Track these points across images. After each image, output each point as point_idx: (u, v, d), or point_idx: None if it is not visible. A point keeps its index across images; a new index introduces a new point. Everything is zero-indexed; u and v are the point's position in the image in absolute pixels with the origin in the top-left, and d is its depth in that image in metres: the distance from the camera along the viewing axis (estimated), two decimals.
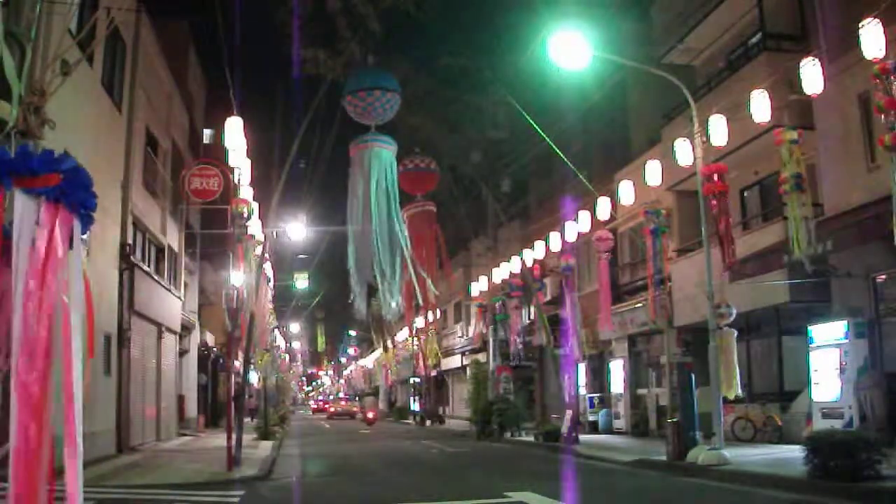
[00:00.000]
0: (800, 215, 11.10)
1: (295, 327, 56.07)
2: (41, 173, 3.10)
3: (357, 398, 54.44)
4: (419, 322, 37.09)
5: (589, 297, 21.53)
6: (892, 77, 8.81)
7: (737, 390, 12.84)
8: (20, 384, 2.97)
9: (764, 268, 14.28)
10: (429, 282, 10.97)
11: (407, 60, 21.13)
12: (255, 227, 16.72)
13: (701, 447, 11.84)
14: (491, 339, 25.40)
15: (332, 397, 66.49)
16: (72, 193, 3.19)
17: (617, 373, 21.30)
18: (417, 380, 41.30)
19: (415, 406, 42.27)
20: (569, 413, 17.78)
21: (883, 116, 9.14)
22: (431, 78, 22.19)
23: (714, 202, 12.22)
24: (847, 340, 12.53)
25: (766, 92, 11.42)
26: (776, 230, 14.93)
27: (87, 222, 3.33)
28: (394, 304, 8.13)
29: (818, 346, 13.10)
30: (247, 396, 25.62)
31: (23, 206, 3.09)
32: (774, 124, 12.05)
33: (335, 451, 19.43)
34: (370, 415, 37.61)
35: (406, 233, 8.88)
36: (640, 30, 21.00)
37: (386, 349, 49.58)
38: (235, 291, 14.48)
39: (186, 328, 24.71)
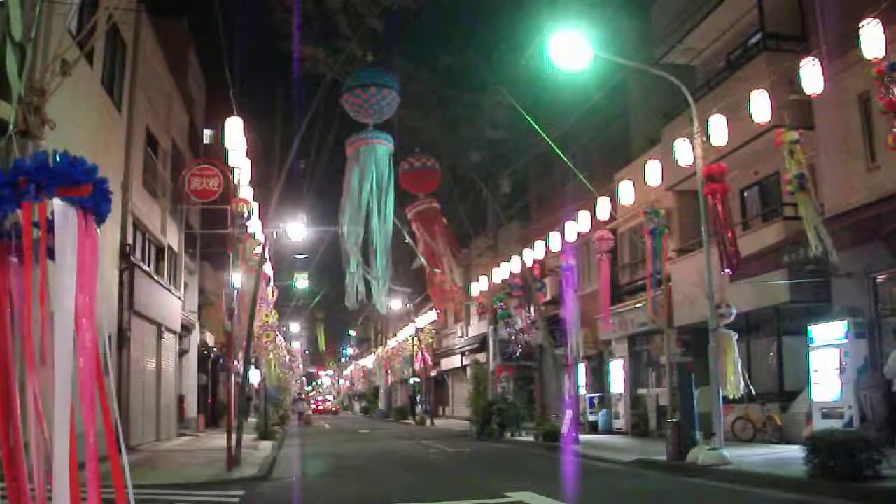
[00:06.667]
0: (810, 214, 11.04)
1: (295, 327, 56.08)
2: (83, 183, 3.19)
3: (348, 399, 77.39)
4: (420, 321, 37.28)
5: (589, 297, 21.51)
6: (890, 77, 8.78)
7: (738, 391, 12.81)
8: (85, 388, 3.04)
9: (764, 268, 14.27)
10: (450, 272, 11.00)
11: (407, 60, 21.12)
12: (255, 227, 16.72)
13: (701, 447, 11.83)
14: (491, 339, 25.36)
15: (320, 398, 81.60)
16: (99, 203, 3.30)
17: (617, 373, 21.28)
18: (417, 379, 41.33)
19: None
20: (569, 413, 17.75)
21: (886, 118, 9.13)
22: (431, 77, 22.15)
23: (715, 203, 12.19)
24: (847, 340, 12.53)
25: (766, 92, 11.41)
26: (776, 230, 14.93)
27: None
28: (385, 300, 8.05)
29: (818, 346, 13.10)
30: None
31: (64, 213, 3.17)
32: (774, 124, 12.04)
33: (335, 451, 19.42)
34: (334, 409, 62.33)
35: (402, 227, 8.89)
36: (640, 30, 20.98)
37: (385, 346, 49.59)
38: (235, 291, 14.48)
39: (186, 328, 24.70)
